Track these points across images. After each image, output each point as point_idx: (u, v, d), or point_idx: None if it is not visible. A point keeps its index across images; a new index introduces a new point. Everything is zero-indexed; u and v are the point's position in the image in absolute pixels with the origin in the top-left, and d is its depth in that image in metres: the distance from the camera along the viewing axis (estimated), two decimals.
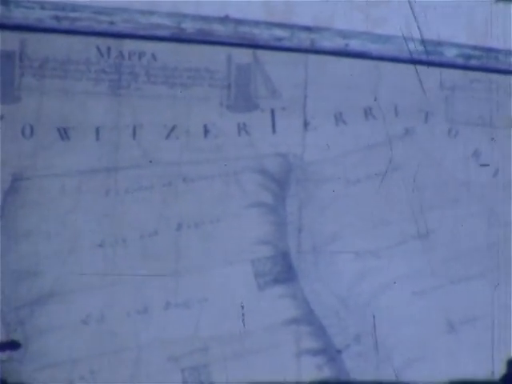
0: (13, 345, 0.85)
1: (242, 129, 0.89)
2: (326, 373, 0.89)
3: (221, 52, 0.90)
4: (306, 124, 0.91)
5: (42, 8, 0.85)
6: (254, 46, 0.90)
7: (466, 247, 0.95)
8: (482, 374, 0.94)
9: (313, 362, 0.89)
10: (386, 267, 0.92)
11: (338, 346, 0.90)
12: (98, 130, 0.86)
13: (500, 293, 0.96)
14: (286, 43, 0.91)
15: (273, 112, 0.90)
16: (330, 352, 0.90)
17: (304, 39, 0.91)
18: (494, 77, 0.98)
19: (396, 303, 0.92)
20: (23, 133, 0.85)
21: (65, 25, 0.85)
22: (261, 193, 0.89)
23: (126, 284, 0.86)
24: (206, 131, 0.89)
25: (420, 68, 0.94)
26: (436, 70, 0.95)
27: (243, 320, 0.88)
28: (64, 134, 0.85)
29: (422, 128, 0.95)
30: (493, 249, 0.96)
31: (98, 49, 0.86)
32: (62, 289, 0.85)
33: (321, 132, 0.92)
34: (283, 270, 0.89)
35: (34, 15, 0.85)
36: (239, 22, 0.89)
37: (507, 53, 0.99)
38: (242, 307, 0.87)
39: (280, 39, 0.91)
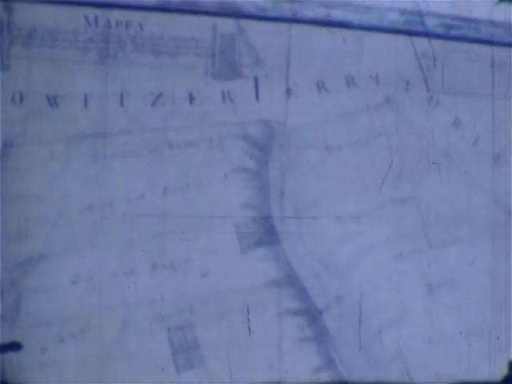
0: (14, 346, 0.89)
1: (226, 96, 0.92)
2: (307, 332, 0.93)
3: (206, 22, 0.93)
4: (288, 91, 0.94)
5: None
6: (238, 15, 0.93)
7: (446, 213, 0.98)
8: (457, 335, 0.97)
9: (294, 322, 0.93)
10: (367, 231, 0.96)
11: (319, 306, 0.94)
12: (86, 98, 0.89)
13: (479, 257, 0.99)
14: (269, 13, 0.94)
15: (256, 80, 0.93)
16: (311, 312, 0.94)
17: (286, 9, 0.94)
18: (475, 47, 1.00)
19: (376, 266, 0.95)
20: (13, 100, 0.88)
21: None
22: (244, 158, 0.92)
23: (114, 246, 0.89)
24: (191, 98, 0.92)
25: (401, 38, 0.97)
26: (417, 40, 0.98)
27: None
28: (53, 101, 0.88)
29: (403, 96, 0.98)
30: (471, 215, 0.99)
31: (86, 18, 0.89)
32: (51, 250, 0.88)
33: (303, 99, 0.94)
34: (266, 233, 0.93)
35: None
36: None
37: (488, 23, 1.01)
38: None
39: (263, 9, 0.94)
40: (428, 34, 0.99)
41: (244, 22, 0.94)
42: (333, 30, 0.96)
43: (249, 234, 0.93)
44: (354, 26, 0.96)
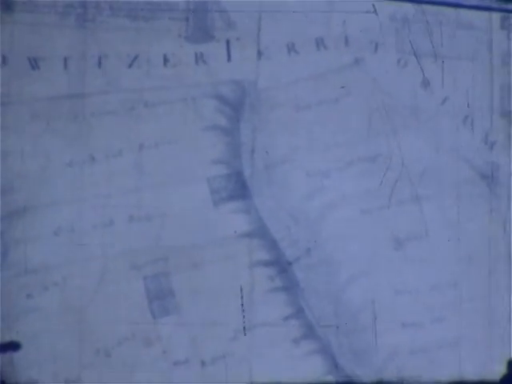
0: (13, 345, 0.96)
1: (200, 58, 0.98)
2: (278, 283, 0.98)
3: None
4: (259, 53, 0.99)
5: None
6: None
7: (414, 170, 1.03)
8: (425, 287, 1.01)
9: (265, 273, 0.99)
10: (336, 187, 1.01)
11: (289, 258, 0.99)
12: (65, 60, 0.95)
13: (446, 213, 1.03)
14: None
15: (228, 42, 0.98)
16: (281, 264, 0.99)
17: None
18: (443, 9, 1.04)
19: (344, 220, 1.00)
20: None
21: None
22: (217, 117, 0.98)
23: (93, 199, 0.96)
24: (166, 60, 0.97)
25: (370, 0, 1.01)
26: (386, 3, 1.02)
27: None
28: (34, 63, 0.94)
29: (372, 58, 1.02)
30: (439, 173, 1.03)
31: None
32: (35, 204, 0.95)
33: (273, 61, 1.00)
34: (237, 188, 0.98)
35: None
36: None
37: None
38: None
39: None
40: None
41: None
42: None
43: (221, 189, 0.99)
44: None
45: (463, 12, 1.06)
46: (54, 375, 0.98)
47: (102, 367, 0.98)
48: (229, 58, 1.00)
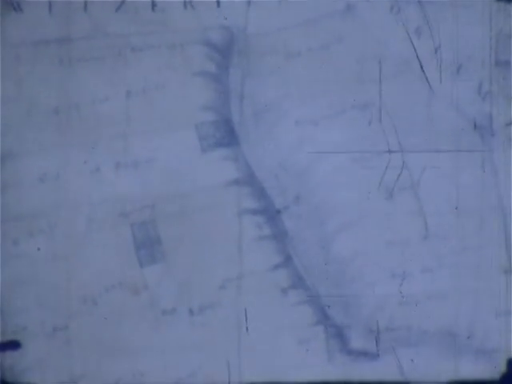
0: (13, 344, 0.96)
1: (188, 3, 0.97)
2: (266, 231, 0.98)
3: None
4: None
5: None
6: None
7: (406, 120, 1.02)
8: (415, 238, 1.01)
9: (253, 221, 0.99)
10: (325, 135, 0.99)
11: (277, 206, 0.99)
12: (50, 4, 0.94)
13: (438, 162, 1.02)
14: None
15: None
16: (269, 212, 0.99)
17: None
18: None
19: (334, 169, 1.00)
20: None
21: None
22: (205, 62, 0.97)
23: (79, 145, 0.95)
24: (154, 5, 0.96)
25: None
26: None
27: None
28: (17, 5, 0.93)
29: (364, 4, 1.01)
30: (432, 123, 1.02)
31: None
32: (20, 150, 0.95)
33: (263, 6, 0.98)
34: (225, 135, 0.98)
35: None
36: None
37: None
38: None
39: None
40: None
41: None
42: None
43: (209, 136, 0.98)
44: None
45: None
46: (41, 323, 0.98)
47: (90, 316, 0.98)
48: (218, 4, 0.99)
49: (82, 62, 0.97)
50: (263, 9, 1.01)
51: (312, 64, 1.02)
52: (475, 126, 1.07)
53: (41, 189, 0.96)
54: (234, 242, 1.00)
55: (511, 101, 1.08)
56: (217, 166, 0.99)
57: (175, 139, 0.98)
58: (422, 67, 1.05)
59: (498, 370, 1.04)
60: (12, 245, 0.96)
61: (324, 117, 1.02)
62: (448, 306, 1.06)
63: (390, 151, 1.05)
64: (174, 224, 0.99)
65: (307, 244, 1.02)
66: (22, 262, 0.96)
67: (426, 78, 1.05)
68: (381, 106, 1.04)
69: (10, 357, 0.96)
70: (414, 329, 1.05)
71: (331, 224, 1.03)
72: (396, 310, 1.04)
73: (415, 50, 1.05)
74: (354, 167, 1.03)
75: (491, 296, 1.06)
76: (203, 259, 0.99)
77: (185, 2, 0.99)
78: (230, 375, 1.01)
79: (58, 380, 0.98)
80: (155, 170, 0.98)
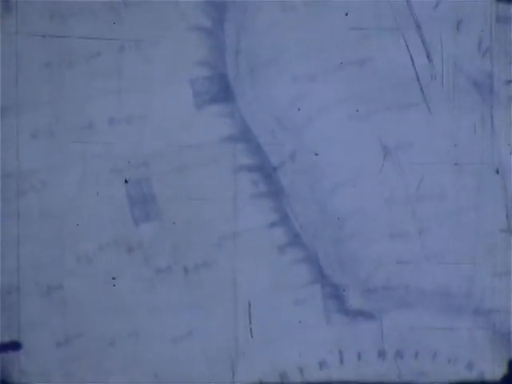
0: (14, 345, 0.96)
1: None
2: (262, 188, 0.97)
3: None
4: None
5: None
6: None
7: (403, 76, 1.01)
8: (413, 197, 1.00)
9: (249, 178, 0.98)
10: (322, 91, 0.98)
11: (273, 163, 0.98)
12: None
13: (436, 120, 1.01)
14: None
15: None
16: (265, 169, 0.98)
17: None
18: None
19: (331, 126, 0.99)
20: None
21: None
22: (200, 17, 0.96)
23: (71, 101, 0.94)
24: None
25: None
26: None
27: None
28: None
29: None
30: (430, 79, 1.01)
31: None
32: (11, 105, 0.93)
33: None
34: (221, 90, 0.97)
35: None
36: None
37: None
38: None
39: None
40: None
41: None
42: None
43: (204, 91, 0.97)
44: None
45: None
46: (35, 283, 0.97)
47: (84, 274, 0.97)
48: None
49: (75, 16, 0.95)
50: None
51: (309, 18, 1.01)
52: (475, 83, 1.06)
53: (33, 145, 0.95)
54: (230, 199, 0.99)
55: None
56: (212, 122, 0.98)
57: (169, 95, 0.97)
58: (421, 22, 1.03)
59: (495, 328, 1.04)
60: (3, 203, 0.95)
61: (321, 72, 1.01)
62: (446, 266, 1.05)
63: (387, 108, 1.03)
64: (169, 181, 0.98)
65: (304, 202, 1.01)
66: (15, 221, 0.95)
67: (425, 34, 1.04)
68: (379, 62, 1.03)
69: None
70: (412, 288, 1.04)
71: (328, 181, 1.02)
72: (393, 270, 1.04)
73: (414, 5, 1.03)
74: (351, 124, 1.02)
75: (489, 256, 1.06)
76: (198, 217, 0.98)
77: None
78: (226, 335, 1.00)
79: (54, 339, 0.98)
80: (149, 126, 0.97)
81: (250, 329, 1.01)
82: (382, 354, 1.03)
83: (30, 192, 0.96)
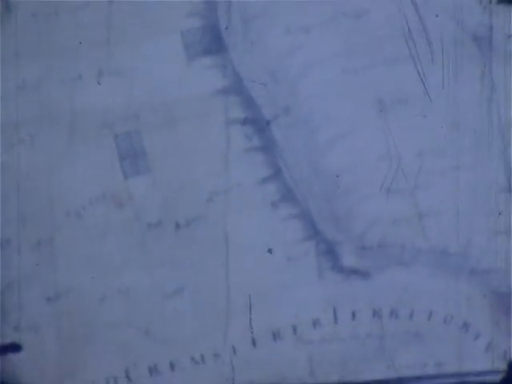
0: (14, 347, 0.95)
1: None
2: (255, 142, 0.95)
3: None
4: None
5: None
6: None
7: (400, 29, 0.99)
8: (409, 154, 0.98)
9: (241, 132, 0.97)
10: (317, 44, 0.96)
11: (266, 117, 0.96)
12: None
13: (434, 74, 0.99)
14: None
15: None
16: (258, 122, 0.97)
17: None
18: None
19: (325, 79, 0.97)
20: None
21: None
22: None
23: (60, 53, 0.93)
24: None
25: None
26: None
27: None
28: None
29: None
30: (428, 33, 0.99)
31: None
32: None
33: None
34: (213, 42, 0.96)
35: None
36: None
37: None
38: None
39: None
40: None
41: None
42: None
43: (195, 43, 0.96)
44: None
45: None
46: (26, 237, 0.96)
47: (74, 229, 0.96)
48: None
49: None
50: None
51: None
52: (474, 37, 1.03)
53: (21, 98, 0.94)
54: (222, 153, 0.97)
55: None
56: (203, 74, 0.96)
57: (160, 47, 0.95)
58: None
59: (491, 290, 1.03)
60: None
61: (316, 25, 0.99)
62: (443, 225, 1.03)
63: (384, 62, 1.01)
64: (159, 134, 0.96)
65: (297, 156, 1.00)
66: (3, 174, 0.94)
67: None
68: (375, 15, 1.01)
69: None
70: (408, 247, 1.03)
71: (322, 136, 1.00)
72: (389, 227, 1.02)
73: None
74: (346, 78, 1.00)
75: (488, 215, 1.04)
76: (189, 171, 0.97)
77: None
78: (218, 292, 1.00)
79: (44, 295, 0.97)
80: (139, 78, 0.95)
81: (242, 285, 1.00)
82: (376, 314, 1.02)
83: (17, 144, 0.95)
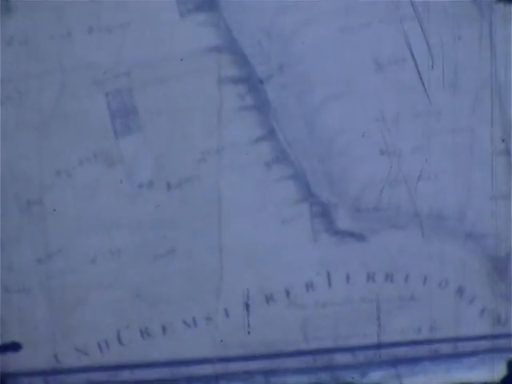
0: (14, 346, 0.93)
1: None
2: (248, 101, 0.93)
3: None
4: None
5: None
6: None
7: None
8: (405, 115, 0.96)
9: (234, 91, 0.95)
10: (313, 0, 0.94)
11: (260, 75, 0.95)
12: None
13: (432, 35, 0.97)
14: None
15: None
16: (252, 81, 0.95)
17: None
18: None
19: (321, 38, 0.96)
20: None
21: None
22: None
23: (48, 8, 0.91)
24: None
25: None
26: None
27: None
28: None
29: None
30: None
31: None
32: None
33: None
34: None
35: None
36: None
37: None
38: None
39: None
40: None
41: None
42: None
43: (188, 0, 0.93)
44: None
45: None
46: (15, 196, 0.94)
47: (64, 188, 0.95)
48: None
49: None
50: None
51: None
52: None
53: (8, 54, 0.91)
54: (214, 112, 0.95)
55: None
56: (196, 31, 0.94)
57: (152, 2, 0.92)
58: None
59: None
60: None
61: None
62: (439, 187, 1.02)
63: (380, 21, 0.99)
64: (151, 93, 0.94)
65: (291, 116, 0.98)
66: None
67: None
68: None
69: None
70: (403, 210, 1.01)
71: (317, 96, 0.98)
72: (384, 189, 1.01)
73: None
74: (342, 37, 0.98)
75: (485, 178, 1.02)
76: (181, 130, 0.95)
77: None
78: (210, 254, 0.98)
79: (34, 256, 0.96)
80: (130, 35, 0.92)
81: (235, 247, 0.99)
82: (371, 277, 1.02)
83: (6, 101, 0.92)
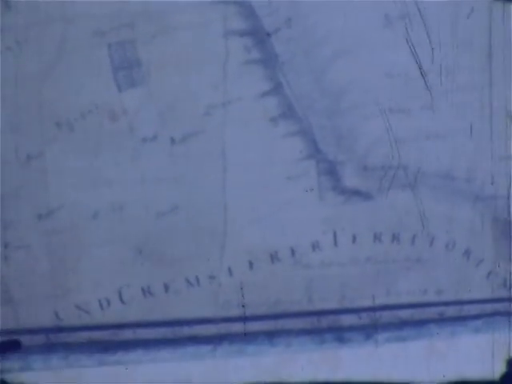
0: (14, 345, 0.92)
1: None
2: (255, 55, 0.91)
3: None
4: None
5: None
6: None
7: None
8: (416, 72, 0.94)
9: (241, 43, 0.93)
10: None
11: (267, 28, 0.92)
12: None
13: None
14: None
15: None
16: (259, 34, 0.93)
17: None
18: None
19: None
20: None
21: None
22: None
23: None
24: None
25: None
26: None
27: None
28: None
29: None
30: None
31: None
32: None
33: None
34: None
35: None
36: None
37: None
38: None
39: None
40: None
41: None
42: None
43: None
44: None
45: None
46: (14, 150, 0.92)
47: (65, 142, 0.93)
48: None
49: None
50: None
51: None
52: None
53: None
54: (220, 65, 0.93)
55: None
56: None
57: None
58: None
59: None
60: None
61: None
62: (447, 147, 1.00)
63: None
64: (155, 44, 0.91)
65: (299, 71, 0.95)
66: None
67: None
68: None
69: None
70: (411, 169, 0.99)
71: (325, 51, 0.95)
72: (392, 148, 0.99)
73: None
74: None
75: (494, 139, 1.00)
76: (186, 83, 0.92)
77: None
78: (214, 211, 0.97)
79: (34, 212, 0.94)
80: None
81: (239, 204, 0.97)
82: (377, 237, 1.00)
83: (5, 52, 0.91)
